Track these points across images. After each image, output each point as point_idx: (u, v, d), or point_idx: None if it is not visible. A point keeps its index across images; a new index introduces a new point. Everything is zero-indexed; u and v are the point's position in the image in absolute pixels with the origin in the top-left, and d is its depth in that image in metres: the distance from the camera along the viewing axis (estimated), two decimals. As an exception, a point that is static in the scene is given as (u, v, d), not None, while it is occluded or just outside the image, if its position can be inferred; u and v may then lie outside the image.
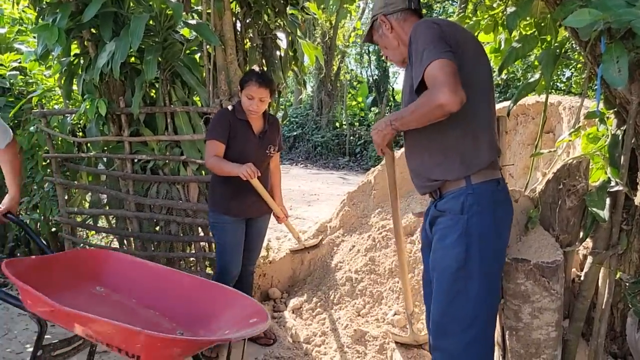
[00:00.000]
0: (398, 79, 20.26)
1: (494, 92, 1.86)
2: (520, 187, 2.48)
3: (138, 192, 3.52)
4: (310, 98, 15.40)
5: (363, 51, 17.83)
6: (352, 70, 14.54)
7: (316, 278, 3.90)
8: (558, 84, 8.56)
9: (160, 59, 3.21)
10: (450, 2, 13.93)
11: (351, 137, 13.62)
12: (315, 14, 4.17)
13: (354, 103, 14.55)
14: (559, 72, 8.40)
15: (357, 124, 14.05)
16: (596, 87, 1.74)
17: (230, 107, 2.81)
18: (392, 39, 1.87)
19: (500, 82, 8.62)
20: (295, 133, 14.85)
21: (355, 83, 14.87)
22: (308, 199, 8.56)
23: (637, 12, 1.16)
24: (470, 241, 1.68)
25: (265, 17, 3.63)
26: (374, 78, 16.25)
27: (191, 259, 3.71)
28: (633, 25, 1.13)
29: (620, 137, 1.86)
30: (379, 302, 3.43)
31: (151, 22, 3.19)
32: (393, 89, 16.76)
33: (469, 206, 1.66)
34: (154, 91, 3.52)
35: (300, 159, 14.18)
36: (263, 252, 4.35)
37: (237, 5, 3.58)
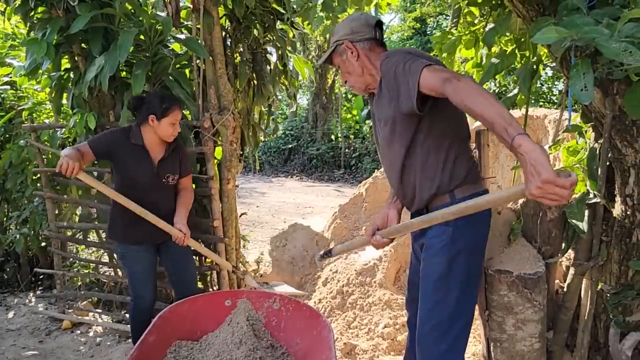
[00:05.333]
0: (393, 92, 20.29)
1: None
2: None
3: (128, 206, 3.52)
4: (305, 111, 15.44)
5: (358, 64, 17.85)
6: (346, 83, 14.58)
7: (307, 291, 3.90)
8: (551, 96, 8.63)
9: (150, 73, 3.23)
10: (444, 16, 14.06)
11: (346, 150, 13.65)
12: (305, 29, 4.22)
13: (349, 116, 14.57)
14: (550, 85, 8.46)
15: (352, 136, 14.08)
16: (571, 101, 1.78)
17: (121, 130, 2.65)
18: (357, 66, 1.86)
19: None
20: (290, 146, 14.86)
21: (350, 96, 14.89)
22: (302, 212, 8.57)
23: (601, 30, 1.19)
24: (452, 251, 1.70)
25: (255, 32, 3.66)
26: (369, 91, 16.23)
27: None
28: (597, 42, 1.16)
29: (597, 150, 1.89)
30: (369, 315, 3.43)
31: (141, 36, 3.22)
32: (388, 101, 16.72)
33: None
34: (144, 105, 3.53)
35: (296, 171, 14.18)
36: (254, 266, 4.34)
37: (226, 20, 3.62)
